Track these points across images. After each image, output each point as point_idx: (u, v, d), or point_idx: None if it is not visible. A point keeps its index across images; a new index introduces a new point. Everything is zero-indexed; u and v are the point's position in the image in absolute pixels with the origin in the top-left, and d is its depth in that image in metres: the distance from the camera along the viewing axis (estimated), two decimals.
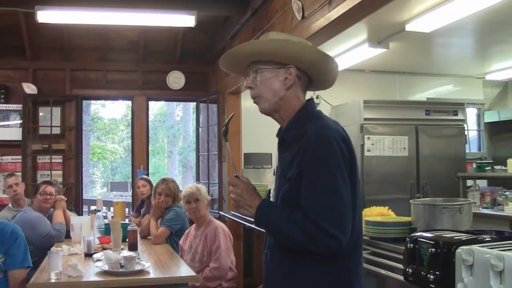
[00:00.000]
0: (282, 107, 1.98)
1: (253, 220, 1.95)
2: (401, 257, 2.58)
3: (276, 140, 2.08)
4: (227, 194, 6.20)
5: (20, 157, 6.94)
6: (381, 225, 3.21)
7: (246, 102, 6.64)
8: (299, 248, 1.81)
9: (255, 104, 2.06)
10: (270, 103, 1.97)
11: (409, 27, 4.85)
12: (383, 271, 2.82)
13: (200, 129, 7.83)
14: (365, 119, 6.08)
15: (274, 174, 2.13)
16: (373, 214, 3.58)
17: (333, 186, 1.77)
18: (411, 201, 3.23)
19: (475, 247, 2.04)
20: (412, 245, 2.33)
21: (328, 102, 6.84)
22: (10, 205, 5.43)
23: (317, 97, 6.83)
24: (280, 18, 4.89)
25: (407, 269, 2.33)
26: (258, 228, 2.16)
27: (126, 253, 3.56)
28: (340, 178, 1.78)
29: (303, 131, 1.87)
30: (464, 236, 2.25)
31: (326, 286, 1.84)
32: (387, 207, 3.67)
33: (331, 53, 5.91)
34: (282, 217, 1.83)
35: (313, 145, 1.81)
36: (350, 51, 5.80)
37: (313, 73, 2.01)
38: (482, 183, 6.60)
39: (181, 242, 4.46)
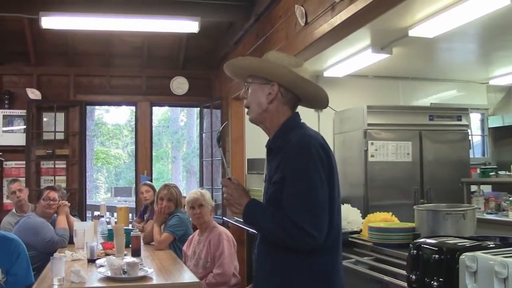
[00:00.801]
0: (266, 119, 2.19)
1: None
2: (405, 263, 2.56)
3: None
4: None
5: (24, 162, 6.96)
6: (384, 231, 3.20)
7: None
8: (281, 243, 2.02)
9: None
10: (255, 114, 2.20)
11: (412, 33, 4.84)
12: (386, 278, 2.80)
13: (203, 134, 7.84)
14: (369, 124, 6.07)
15: (264, 181, 2.33)
16: (377, 220, 3.57)
17: (311, 188, 1.97)
18: (414, 207, 3.22)
19: (479, 253, 2.03)
20: (415, 251, 2.32)
21: (332, 107, 6.84)
22: (14, 210, 5.44)
23: (321, 110, 6.83)
24: (284, 24, 4.89)
25: (411, 276, 2.32)
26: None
27: (129, 259, 3.55)
28: (318, 181, 1.98)
29: (287, 140, 2.09)
30: (468, 243, 2.24)
31: (306, 279, 2.03)
32: (390, 213, 3.66)
33: (334, 58, 6.01)
34: (266, 216, 2.06)
35: (294, 151, 2.03)
36: (354, 56, 5.79)
37: (297, 92, 2.21)
38: (487, 188, 6.57)
39: (184, 247, 4.45)
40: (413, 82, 7.29)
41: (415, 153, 6.16)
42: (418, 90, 7.41)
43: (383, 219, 3.56)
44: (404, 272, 2.51)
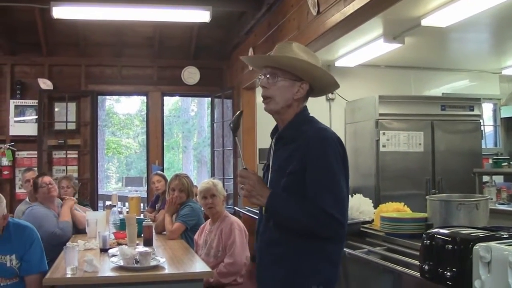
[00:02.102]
0: (286, 112, 2.25)
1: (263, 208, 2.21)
2: (417, 253, 2.55)
3: None
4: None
5: (35, 152, 7.00)
6: (397, 221, 3.18)
7: (261, 97, 6.63)
8: (306, 231, 2.08)
9: None
10: (278, 107, 2.23)
11: (425, 22, 4.80)
12: (399, 268, 2.79)
13: (215, 124, 7.84)
14: (381, 114, 6.05)
15: (263, 169, 2.38)
16: (389, 210, 3.55)
17: (335, 179, 2.08)
18: (427, 197, 3.20)
19: (492, 244, 2.01)
20: (428, 241, 2.31)
21: (343, 97, 6.82)
22: (27, 199, 5.47)
23: (332, 93, 6.81)
24: (296, 13, 4.87)
25: (424, 266, 2.31)
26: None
27: (141, 248, 3.58)
28: (340, 172, 2.10)
29: (300, 131, 2.17)
30: (481, 233, 2.22)
31: (317, 262, 2.12)
32: (402, 203, 3.64)
33: (346, 48, 5.99)
34: (292, 205, 2.10)
35: (315, 143, 2.11)
36: (366, 46, 5.76)
37: (317, 87, 2.29)
38: (499, 179, 6.54)
39: (196, 237, 4.46)
40: (425, 72, 7.24)
41: (427, 143, 6.14)
42: (430, 80, 7.36)
43: (395, 209, 3.55)
44: (417, 262, 2.50)
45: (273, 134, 2.36)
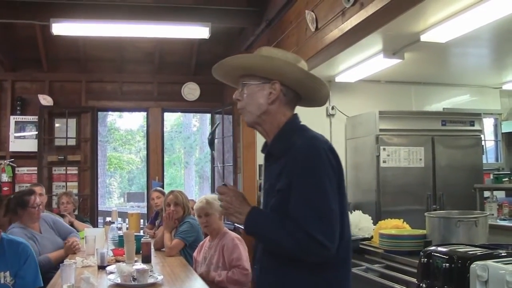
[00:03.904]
0: (265, 121, 2.01)
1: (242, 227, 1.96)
2: (414, 270, 2.53)
3: None
4: None
5: (36, 168, 6.99)
6: (395, 238, 3.16)
7: None
8: (290, 255, 1.84)
9: None
10: (253, 117, 2.01)
11: (424, 38, 4.80)
12: (397, 286, 2.77)
13: (215, 140, 7.81)
14: (381, 130, 6.04)
15: (259, 190, 2.15)
16: (388, 226, 3.54)
17: (322, 195, 1.81)
18: (426, 214, 3.18)
19: (490, 262, 1.99)
20: (426, 259, 2.28)
21: (344, 112, 6.81)
22: None
23: (332, 108, 6.81)
24: (294, 29, 4.88)
25: (421, 285, 2.29)
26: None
27: (139, 265, 3.55)
28: (329, 188, 1.83)
29: (290, 143, 1.91)
30: (479, 251, 2.20)
31: None
32: (402, 220, 3.62)
33: (346, 64, 5.98)
34: (272, 225, 1.86)
35: (302, 155, 1.85)
36: (365, 61, 5.76)
37: (299, 90, 2.03)
38: (500, 194, 6.49)
39: (195, 254, 4.42)
40: (426, 87, 7.23)
41: (428, 158, 6.11)
42: (431, 95, 7.35)
43: (395, 226, 3.53)
44: (415, 280, 2.47)
45: (263, 150, 2.11)
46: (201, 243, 4.46)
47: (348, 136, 6.82)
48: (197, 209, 4.25)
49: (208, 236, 4.35)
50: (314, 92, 2.06)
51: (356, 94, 6.88)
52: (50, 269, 4.03)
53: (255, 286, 2.10)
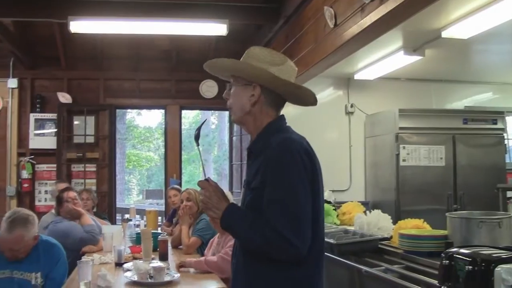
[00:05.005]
0: (248, 121, 2.08)
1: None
2: (436, 272, 2.47)
3: None
4: None
5: (55, 165, 7.03)
6: (416, 238, 3.09)
7: None
8: (261, 252, 1.89)
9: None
10: (237, 116, 2.10)
11: (445, 34, 4.71)
12: None
13: (233, 138, 7.80)
14: (401, 128, 5.96)
15: (243, 187, 2.19)
16: (407, 226, 3.46)
17: (293, 195, 1.85)
18: (447, 214, 3.10)
19: None
20: (447, 261, 2.22)
21: (363, 110, 6.74)
22: (52, 210, 5.45)
23: (351, 106, 6.74)
24: (313, 25, 4.82)
25: (442, 287, 2.22)
26: None
27: (155, 263, 3.53)
28: (301, 188, 1.87)
29: (268, 143, 1.96)
30: (503, 253, 2.13)
31: None
32: (422, 220, 3.55)
33: (365, 61, 5.91)
34: (245, 222, 1.90)
35: (275, 156, 1.90)
36: (385, 59, 5.68)
37: (280, 93, 2.08)
38: None
39: (206, 250, 4.40)
40: (447, 85, 7.12)
41: (449, 157, 6.02)
42: (452, 92, 7.24)
43: (415, 226, 3.45)
44: (436, 283, 2.41)
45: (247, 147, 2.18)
46: (211, 240, 4.42)
47: (367, 134, 6.75)
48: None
49: (218, 234, 4.32)
50: (294, 94, 2.11)
51: (375, 92, 6.80)
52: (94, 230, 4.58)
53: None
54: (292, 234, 1.80)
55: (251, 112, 2.05)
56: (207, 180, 2.07)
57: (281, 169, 1.87)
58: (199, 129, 2.26)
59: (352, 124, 6.81)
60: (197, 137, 2.24)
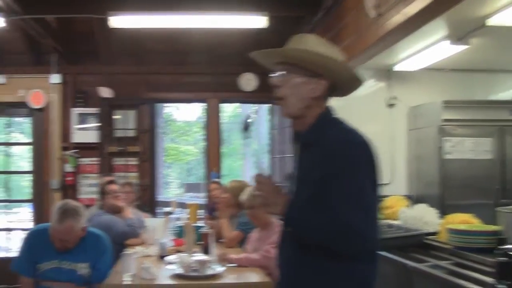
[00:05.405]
0: (305, 114, 2.01)
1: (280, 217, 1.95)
2: (488, 269, 2.38)
3: None
4: None
5: (97, 159, 7.15)
6: (466, 233, 3.00)
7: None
8: (325, 246, 1.84)
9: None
10: (294, 109, 2.01)
11: (492, 21, 4.56)
12: (470, 285, 2.60)
13: (274, 131, 7.77)
14: (445, 120, 5.81)
15: (287, 179, 2.18)
16: (455, 221, 3.37)
17: (359, 188, 1.82)
18: (498, 208, 3.00)
19: None
20: (505, 258, 2.13)
21: (405, 103, 6.60)
22: (96, 203, 5.52)
23: (392, 98, 6.61)
24: (353, 16, 4.75)
25: (498, 286, 2.14)
26: None
27: (199, 256, 3.54)
28: (367, 181, 1.85)
29: (323, 135, 1.93)
30: None
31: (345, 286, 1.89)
32: (470, 214, 3.44)
33: (406, 52, 5.77)
34: (309, 215, 1.85)
35: (338, 149, 1.86)
36: (428, 49, 5.54)
37: (338, 84, 2.04)
38: None
39: (246, 245, 4.38)
40: (493, 75, 6.90)
41: (496, 150, 5.84)
42: (499, 83, 7.01)
43: (463, 220, 3.36)
44: (489, 280, 2.32)
45: (294, 139, 2.13)
46: (250, 235, 4.39)
47: (410, 127, 6.61)
48: (243, 202, 4.20)
49: (257, 228, 4.29)
50: (349, 88, 2.08)
51: (418, 83, 6.64)
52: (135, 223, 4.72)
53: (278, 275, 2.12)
54: (362, 226, 1.78)
55: (310, 105, 2.00)
56: (262, 175, 2.00)
57: (345, 163, 1.84)
58: (246, 121, 2.25)
59: (393, 116, 6.68)
60: (245, 128, 2.23)
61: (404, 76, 6.44)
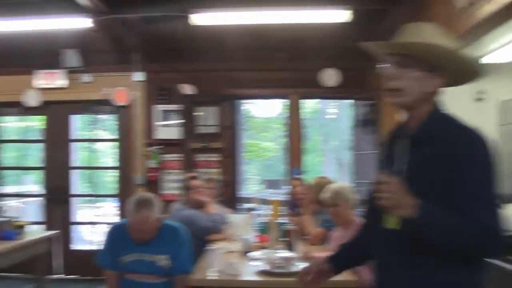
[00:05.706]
0: (418, 107, 1.96)
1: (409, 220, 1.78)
2: None
3: None
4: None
5: (179, 155, 7.31)
6: None
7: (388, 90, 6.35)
8: (461, 249, 1.75)
9: None
10: (410, 100, 1.94)
11: None
12: None
13: (356, 127, 7.64)
14: None
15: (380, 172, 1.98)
16: None
17: (493, 187, 1.77)
18: None
19: None
20: None
21: (496, 96, 6.29)
22: (180, 198, 5.61)
23: (480, 92, 6.31)
24: (440, 6, 4.57)
25: None
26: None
27: (283, 253, 3.53)
28: (495, 181, 1.79)
29: (440, 132, 1.89)
30: None
31: None
32: None
33: (497, 42, 5.47)
34: (446, 217, 1.74)
35: (467, 147, 1.81)
36: None
37: (455, 78, 2.01)
38: None
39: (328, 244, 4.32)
40: None
41: None
42: None
43: None
44: None
45: (397, 133, 2.07)
46: (332, 233, 4.31)
47: (502, 122, 6.29)
48: (325, 199, 4.09)
49: (339, 227, 4.20)
50: (469, 80, 2.05)
51: (509, 75, 6.31)
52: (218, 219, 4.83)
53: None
54: (499, 229, 1.72)
55: (424, 99, 1.95)
56: (385, 174, 1.86)
57: (478, 161, 1.79)
58: (366, 119, 2.21)
59: (482, 111, 6.38)
60: (364, 124, 2.18)
61: (493, 68, 6.14)
